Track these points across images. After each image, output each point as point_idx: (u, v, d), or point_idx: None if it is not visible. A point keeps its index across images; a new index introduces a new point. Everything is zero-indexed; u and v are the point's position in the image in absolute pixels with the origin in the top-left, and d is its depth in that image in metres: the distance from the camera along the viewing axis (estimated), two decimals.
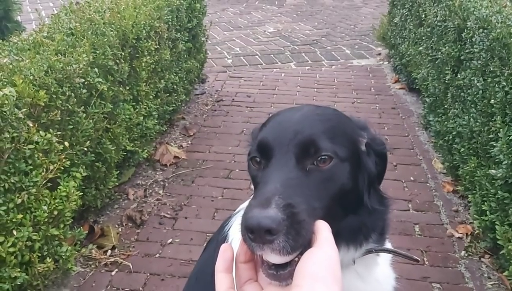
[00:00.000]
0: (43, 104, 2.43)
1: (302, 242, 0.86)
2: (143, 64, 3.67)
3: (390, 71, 6.49)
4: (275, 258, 0.87)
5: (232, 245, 1.47)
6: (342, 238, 0.96)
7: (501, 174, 2.55)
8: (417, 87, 5.04)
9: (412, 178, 3.97)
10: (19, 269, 2.22)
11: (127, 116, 3.40)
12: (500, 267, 2.88)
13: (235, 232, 1.49)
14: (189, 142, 4.68)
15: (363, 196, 1.12)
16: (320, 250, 0.83)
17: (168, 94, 4.36)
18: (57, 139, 2.50)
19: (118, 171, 3.50)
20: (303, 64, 6.87)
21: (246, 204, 1.56)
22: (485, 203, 2.83)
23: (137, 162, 3.94)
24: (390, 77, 6.31)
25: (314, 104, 1.21)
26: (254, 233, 0.85)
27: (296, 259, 0.86)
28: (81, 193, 2.72)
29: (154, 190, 3.87)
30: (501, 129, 2.53)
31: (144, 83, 3.75)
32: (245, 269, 0.92)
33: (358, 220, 1.11)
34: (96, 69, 2.93)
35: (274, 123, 1.10)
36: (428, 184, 3.92)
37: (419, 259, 1.42)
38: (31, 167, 2.31)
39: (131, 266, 3.00)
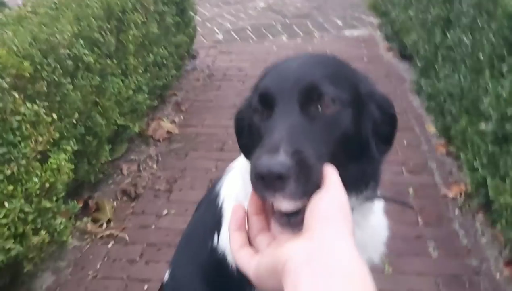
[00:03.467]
0: (28, 75, 2.40)
1: (312, 187, 0.86)
2: (130, 37, 3.63)
3: (382, 40, 6.44)
4: (286, 205, 0.86)
5: (224, 205, 1.48)
6: (347, 185, 0.95)
7: (491, 128, 2.55)
8: (409, 53, 5.02)
9: (405, 142, 3.97)
10: (13, 241, 2.22)
11: (116, 90, 3.37)
12: (493, 222, 2.90)
13: (226, 191, 1.49)
14: (182, 117, 4.66)
15: (366, 142, 1.10)
16: (329, 193, 0.83)
17: (157, 68, 4.32)
18: (44, 111, 2.48)
19: (110, 146, 3.48)
20: (295, 37, 6.81)
21: (236, 163, 1.56)
22: (477, 159, 2.83)
23: (130, 137, 3.93)
24: (382, 46, 6.27)
25: (312, 53, 1.19)
26: (265, 180, 0.84)
27: (307, 205, 0.85)
28: (73, 166, 2.72)
29: (148, 165, 3.87)
30: (490, 83, 2.52)
31: (132, 57, 3.72)
32: (257, 220, 0.92)
33: (359, 168, 1.10)
34: (81, 41, 2.90)
35: (274, 73, 1.08)
36: (421, 148, 3.93)
37: (413, 206, 1.43)
38: (19, 138, 2.29)
39: (127, 238, 3.02)
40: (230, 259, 1.43)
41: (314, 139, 0.94)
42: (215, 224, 1.49)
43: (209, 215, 1.55)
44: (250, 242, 0.92)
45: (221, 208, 1.48)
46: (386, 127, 1.15)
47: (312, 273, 0.71)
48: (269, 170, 0.83)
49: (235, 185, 1.44)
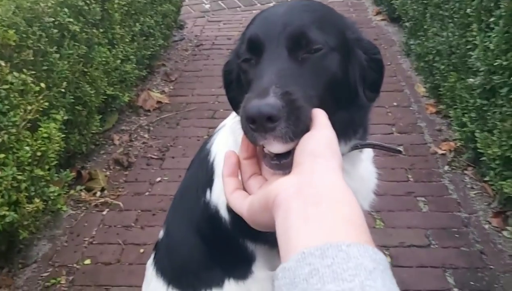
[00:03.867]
0: (14, 44, 2.38)
1: (302, 128, 0.86)
2: (115, 6, 3.59)
3: (371, 4, 6.41)
4: (277, 147, 0.86)
5: (215, 161, 1.49)
6: (336, 132, 0.97)
7: (478, 81, 2.57)
8: (397, 15, 4.99)
9: (395, 103, 3.99)
10: (7, 208, 2.24)
11: (104, 60, 3.34)
12: (482, 176, 2.95)
13: (217, 148, 1.50)
14: (171, 87, 4.64)
15: (354, 88, 1.11)
16: (318, 131, 0.84)
17: (145, 38, 4.28)
18: (32, 80, 2.46)
19: (101, 116, 3.48)
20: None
21: (226, 121, 1.58)
22: (466, 114, 2.86)
23: (120, 108, 3.92)
24: (371, 10, 6.24)
25: None
26: (256, 122, 0.84)
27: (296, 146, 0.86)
28: (64, 135, 2.71)
29: (139, 134, 3.87)
30: (477, 37, 2.53)
31: (118, 26, 3.68)
32: (248, 165, 0.92)
33: (347, 114, 1.12)
34: (66, 9, 2.86)
35: (261, 19, 1.08)
36: (411, 108, 3.95)
37: (401, 150, 1.44)
38: (8, 107, 2.29)
39: (121, 205, 3.04)
40: (222, 213, 1.46)
41: (303, 82, 0.95)
42: (207, 180, 1.51)
43: (201, 172, 1.57)
44: (243, 187, 0.93)
45: (212, 164, 1.50)
46: (373, 73, 1.15)
47: (302, 202, 0.73)
48: (259, 111, 0.83)
49: (226, 142, 1.45)
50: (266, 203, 0.79)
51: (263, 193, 0.82)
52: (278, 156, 0.88)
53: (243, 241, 1.51)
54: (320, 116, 0.88)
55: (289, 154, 0.87)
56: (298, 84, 0.93)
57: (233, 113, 1.51)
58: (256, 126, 0.85)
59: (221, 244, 1.57)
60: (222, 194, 1.41)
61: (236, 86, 1.20)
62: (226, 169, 0.93)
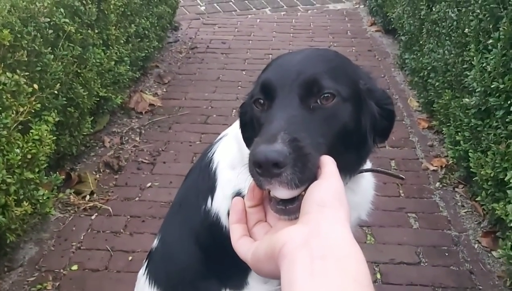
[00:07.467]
0: (8, 44, 2.33)
1: (309, 175, 0.87)
2: (112, 6, 3.55)
3: (366, 14, 6.44)
4: (283, 193, 0.88)
5: (218, 170, 1.48)
6: (341, 169, 0.97)
7: (474, 102, 2.58)
8: (393, 27, 5.02)
9: None
10: None
11: (98, 61, 3.30)
12: (473, 195, 2.97)
13: (220, 156, 1.51)
14: (164, 90, 4.61)
15: (365, 136, 1.13)
16: (326, 181, 0.84)
17: (139, 39, 4.24)
18: (25, 81, 2.42)
19: (92, 118, 3.44)
20: (279, 10, 6.74)
21: (228, 130, 1.58)
22: (459, 133, 2.88)
23: (112, 110, 3.87)
24: (366, 20, 6.27)
25: (315, 47, 1.22)
26: (262, 168, 0.86)
27: (303, 193, 0.87)
28: (55, 138, 2.67)
29: (130, 137, 3.83)
30: (474, 58, 2.54)
31: (114, 27, 3.64)
32: (254, 212, 0.94)
33: (355, 155, 1.15)
34: (61, 9, 2.82)
35: (276, 66, 1.11)
36: (403, 122, 3.97)
37: (404, 177, 1.49)
38: (0, 108, 2.24)
39: (111, 210, 3.00)
40: (223, 221, 1.47)
41: (312, 130, 0.96)
42: (209, 188, 1.51)
43: (202, 180, 1.57)
44: (249, 233, 0.94)
45: (214, 172, 1.50)
46: (384, 122, 1.19)
47: (308, 254, 0.72)
48: (266, 157, 0.85)
49: (229, 150, 1.47)
50: (272, 252, 0.79)
51: (269, 241, 0.82)
52: (284, 201, 0.90)
53: None
54: (328, 165, 0.89)
55: (295, 199, 0.89)
56: (307, 131, 0.95)
57: (235, 124, 1.52)
58: (262, 171, 0.87)
59: (219, 253, 1.56)
60: (223, 202, 1.43)
61: (250, 127, 1.22)
62: (233, 215, 0.95)
